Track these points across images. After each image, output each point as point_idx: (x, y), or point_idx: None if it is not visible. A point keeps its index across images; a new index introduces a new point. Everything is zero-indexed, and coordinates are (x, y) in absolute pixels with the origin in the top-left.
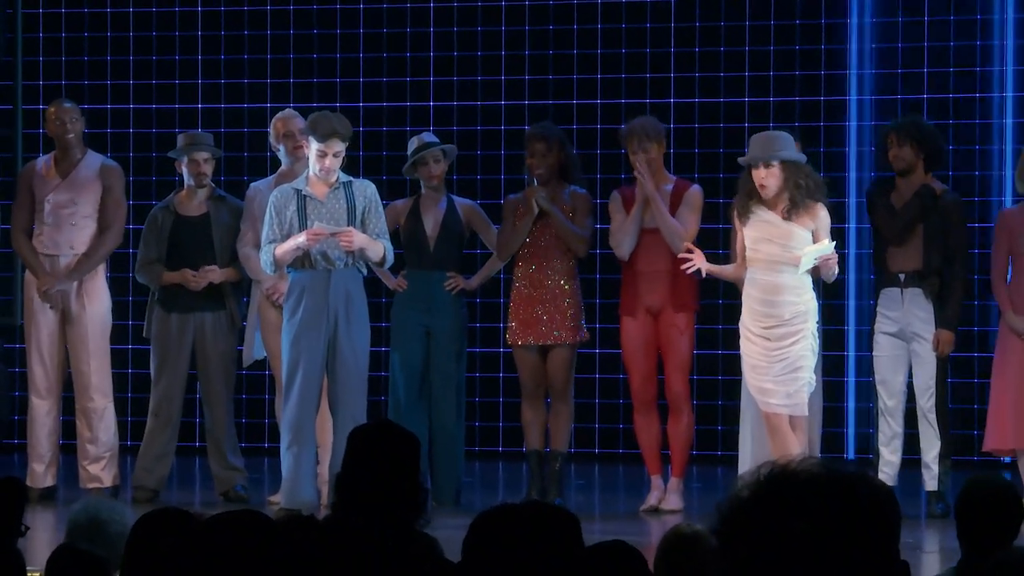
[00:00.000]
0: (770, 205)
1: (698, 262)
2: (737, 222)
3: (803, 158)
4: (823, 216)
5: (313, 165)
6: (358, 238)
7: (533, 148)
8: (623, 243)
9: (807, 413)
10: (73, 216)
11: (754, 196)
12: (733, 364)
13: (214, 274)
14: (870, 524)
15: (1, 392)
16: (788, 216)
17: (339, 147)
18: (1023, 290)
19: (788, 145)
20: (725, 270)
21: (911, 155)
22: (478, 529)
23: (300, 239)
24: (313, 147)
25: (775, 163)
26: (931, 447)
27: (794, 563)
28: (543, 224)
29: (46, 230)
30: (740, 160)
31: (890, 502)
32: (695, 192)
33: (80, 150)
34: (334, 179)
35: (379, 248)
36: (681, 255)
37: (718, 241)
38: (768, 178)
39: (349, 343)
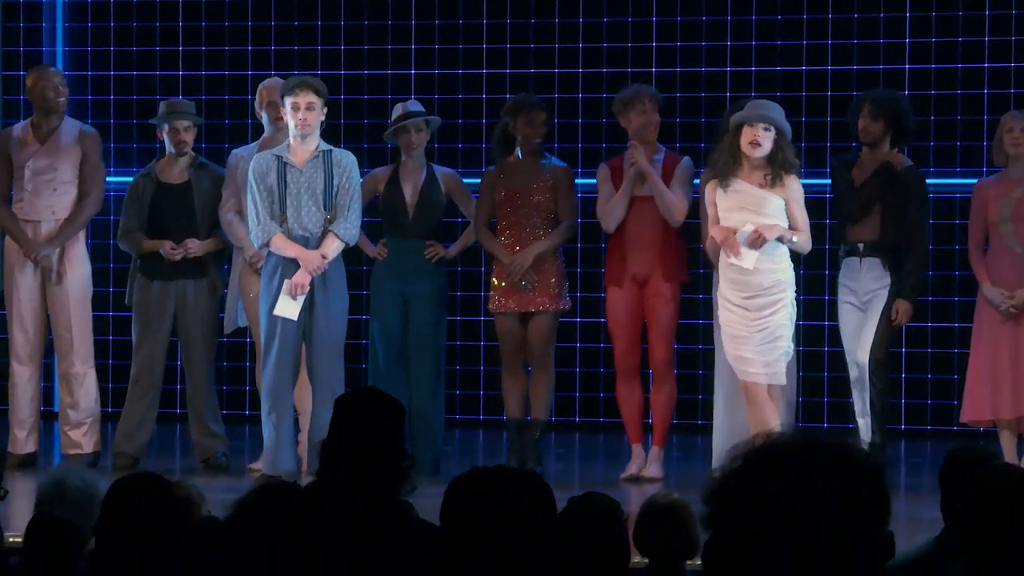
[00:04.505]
0: (745, 175)
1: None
2: (709, 192)
3: (790, 130)
4: (795, 188)
5: (291, 125)
6: (321, 263)
7: (534, 117)
8: (611, 217)
9: (785, 382)
10: (54, 182)
11: (737, 160)
12: (713, 334)
13: (194, 247)
14: (861, 494)
15: None
16: (767, 186)
17: (311, 98)
18: (999, 261)
19: (782, 116)
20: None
21: (881, 130)
22: (453, 493)
23: (302, 260)
24: (287, 105)
25: (772, 128)
26: (864, 403)
27: (785, 531)
28: (525, 192)
29: (26, 196)
30: (735, 116)
31: (879, 474)
32: (687, 164)
33: (59, 116)
34: (313, 143)
35: (339, 245)
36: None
37: (698, 211)
38: (764, 138)
39: (325, 310)
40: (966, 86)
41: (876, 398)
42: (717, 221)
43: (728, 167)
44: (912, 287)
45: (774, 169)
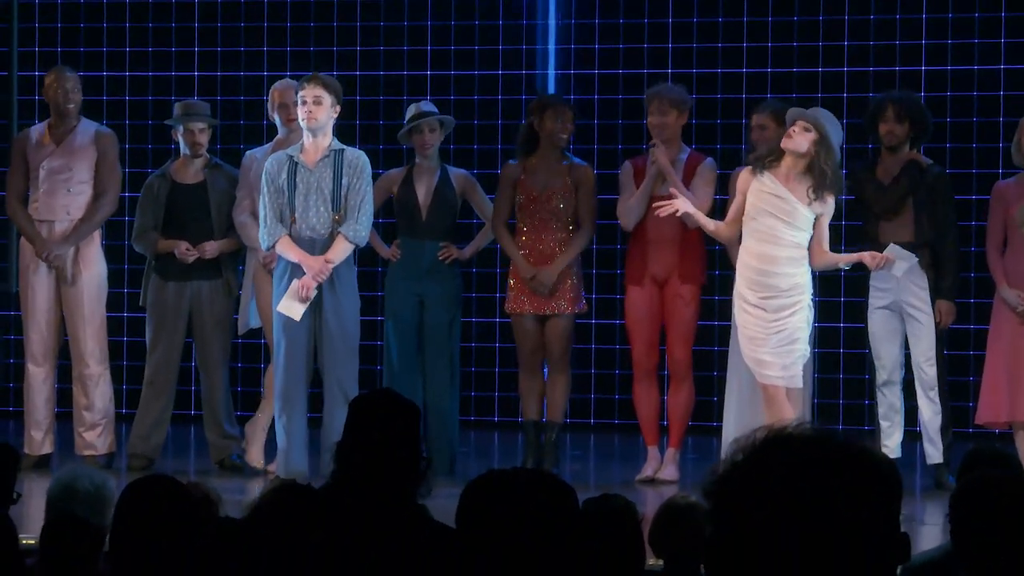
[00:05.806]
0: (784, 179)
1: (677, 204)
2: (742, 181)
3: (837, 152)
4: (832, 205)
5: (300, 120)
6: (324, 268)
7: (562, 113)
8: (630, 215)
9: (801, 385)
10: (69, 182)
11: (779, 156)
12: (728, 335)
13: (210, 248)
14: (870, 490)
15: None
16: (809, 200)
17: (319, 91)
18: (1017, 263)
19: (832, 129)
20: (706, 221)
21: (905, 132)
22: (470, 496)
23: (305, 267)
24: (298, 100)
25: (814, 130)
26: (933, 421)
27: (790, 527)
28: (545, 196)
29: (42, 196)
30: (789, 112)
31: (891, 471)
32: (709, 165)
33: (76, 118)
34: (325, 142)
35: (347, 247)
36: (657, 205)
37: (720, 214)
38: (799, 134)
39: (335, 311)
40: (982, 88)
41: (947, 417)
42: (742, 210)
43: (766, 157)
44: (950, 287)
45: (815, 184)
